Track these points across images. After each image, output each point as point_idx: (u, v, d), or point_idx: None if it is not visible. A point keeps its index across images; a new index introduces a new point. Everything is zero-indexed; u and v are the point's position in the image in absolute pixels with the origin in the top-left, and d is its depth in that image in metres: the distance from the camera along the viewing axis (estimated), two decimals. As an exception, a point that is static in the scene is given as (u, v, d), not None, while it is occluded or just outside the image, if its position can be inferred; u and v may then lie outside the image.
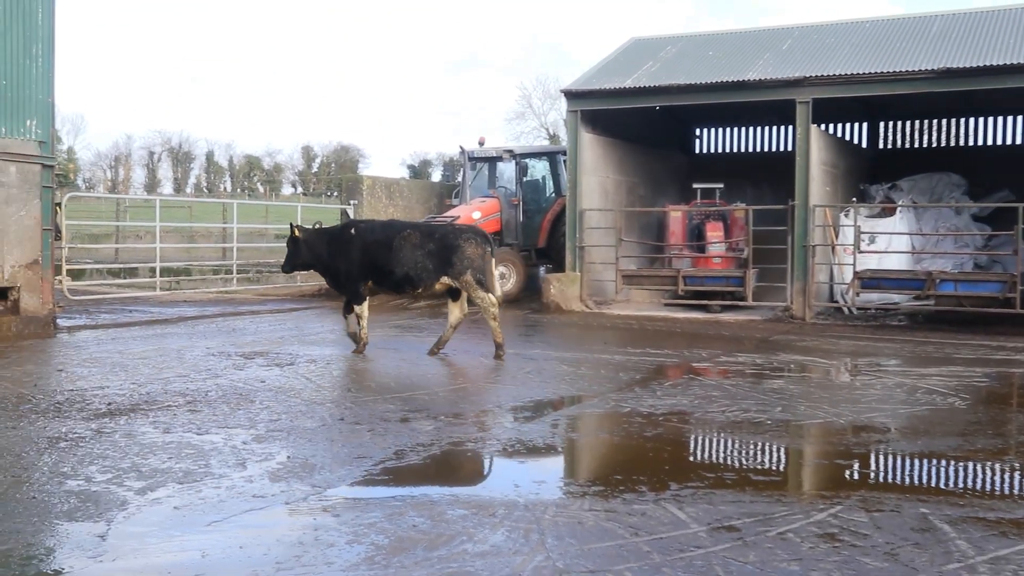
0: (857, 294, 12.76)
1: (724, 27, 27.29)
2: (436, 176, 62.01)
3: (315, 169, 77.56)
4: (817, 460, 5.56)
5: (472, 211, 15.68)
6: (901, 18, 15.48)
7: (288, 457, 5.18)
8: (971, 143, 18.29)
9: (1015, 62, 11.93)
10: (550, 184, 17.05)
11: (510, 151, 16.70)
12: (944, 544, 3.85)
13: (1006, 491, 4.92)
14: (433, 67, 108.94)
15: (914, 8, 67.72)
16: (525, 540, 3.84)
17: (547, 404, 7.02)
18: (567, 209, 14.85)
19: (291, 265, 9.75)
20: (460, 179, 17.88)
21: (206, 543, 3.79)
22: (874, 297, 13.11)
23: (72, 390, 7.09)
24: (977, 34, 13.54)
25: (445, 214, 15.84)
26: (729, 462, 5.46)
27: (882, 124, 19.04)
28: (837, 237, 13.55)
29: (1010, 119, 17.80)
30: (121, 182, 72.36)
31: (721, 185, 15.06)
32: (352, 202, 17.36)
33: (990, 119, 18.00)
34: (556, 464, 5.50)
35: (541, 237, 16.38)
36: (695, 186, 15.22)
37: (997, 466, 5.25)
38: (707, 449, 5.75)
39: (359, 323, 9.34)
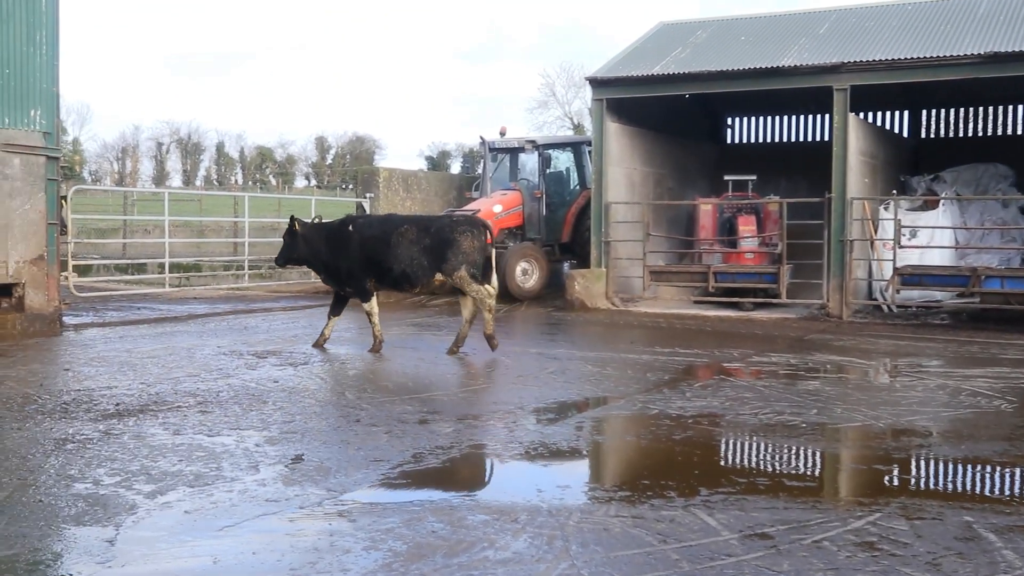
0: (897, 291, 12.56)
1: (757, 10, 26.80)
2: (455, 168, 61.82)
3: (329, 161, 76.60)
4: (855, 465, 5.46)
5: (493, 204, 15.46)
6: (945, -1, 15.12)
7: (302, 460, 5.14)
8: (1019, 132, 17.80)
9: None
10: (574, 176, 16.83)
11: (532, 142, 16.43)
12: (989, 554, 3.75)
13: (1057, 499, 4.79)
14: (451, 54, 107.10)
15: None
16: (549, 547, 3.80)
17: (571, 405, 6.95)
18: (592, 202, 14.65)
19: (285, 259, 9.73)
20: (480, 171, 17.63)
21: (218, 549, 3.76)
22: (915, 295, 12.89)
23: (79, 390, 7.07)
24: (1027, 16, 13.14)
25: (465, 207, 15.65)
26: (762, 467, 5.37)
27: (924, 112, 18.58)
28: (876, 231, 13.33)
29: (1061, 107, 17.36)
30: (128, 175, 72.19)
31: (754, 177, 14.84)
32: (368, 195, 16.99)
33: (1039, 107, 17.54)
34: (581, 468, 5.45)
35: (565, 231, 16.15)
36: (726, 178, 15.01)
37: (1047, 472, 5.13)
38: (739, 453, 5.66)
39: (371, 320, 9.28)
